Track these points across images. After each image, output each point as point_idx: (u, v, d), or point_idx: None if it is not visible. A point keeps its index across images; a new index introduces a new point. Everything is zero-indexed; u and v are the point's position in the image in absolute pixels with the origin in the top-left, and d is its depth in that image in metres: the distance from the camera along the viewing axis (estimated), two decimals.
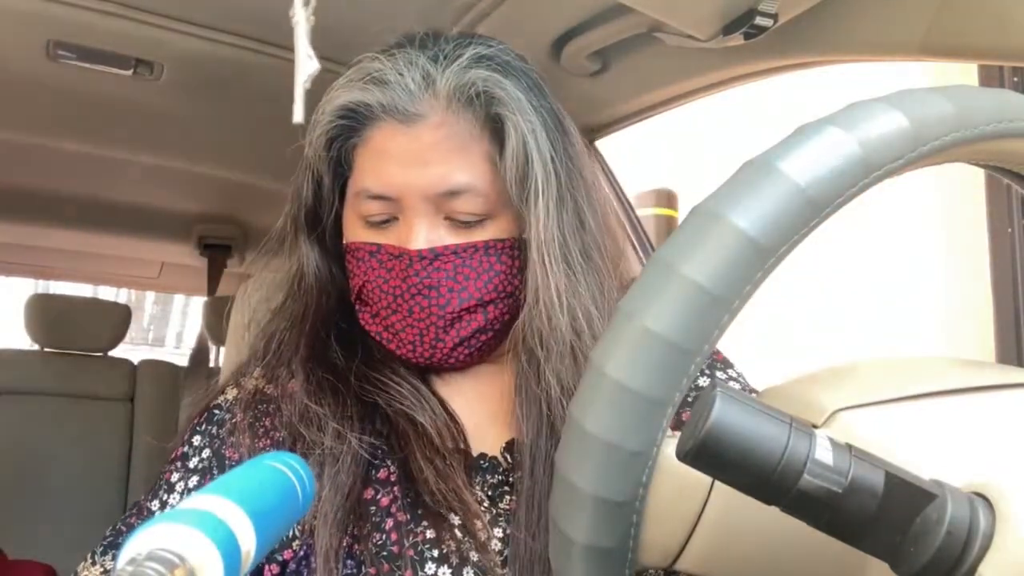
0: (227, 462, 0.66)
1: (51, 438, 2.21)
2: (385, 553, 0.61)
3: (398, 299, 0.66)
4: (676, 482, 0.36)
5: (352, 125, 0.67)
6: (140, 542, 0.27)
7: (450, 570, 0.60)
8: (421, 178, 0.63)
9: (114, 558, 0.64)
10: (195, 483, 0.66)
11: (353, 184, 0.68)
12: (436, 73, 0.64)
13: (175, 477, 0.67)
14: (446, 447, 0.64)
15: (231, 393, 0.72)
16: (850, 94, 0.39)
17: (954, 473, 0.30)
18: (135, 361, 2.50)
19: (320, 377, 0.67)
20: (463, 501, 0.61)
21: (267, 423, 0.68)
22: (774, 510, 0.30)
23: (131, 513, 0.68)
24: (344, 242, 0.71)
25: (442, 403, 0.68)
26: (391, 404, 0.66)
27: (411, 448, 0.64)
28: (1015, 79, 1.96)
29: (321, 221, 0.72)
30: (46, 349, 2.39)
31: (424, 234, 0.65)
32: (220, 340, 2.41)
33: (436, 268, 0.64)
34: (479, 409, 0.70)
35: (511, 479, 0.65)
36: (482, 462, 0.66)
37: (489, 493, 0.65)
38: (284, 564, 0.63)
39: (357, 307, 0.71)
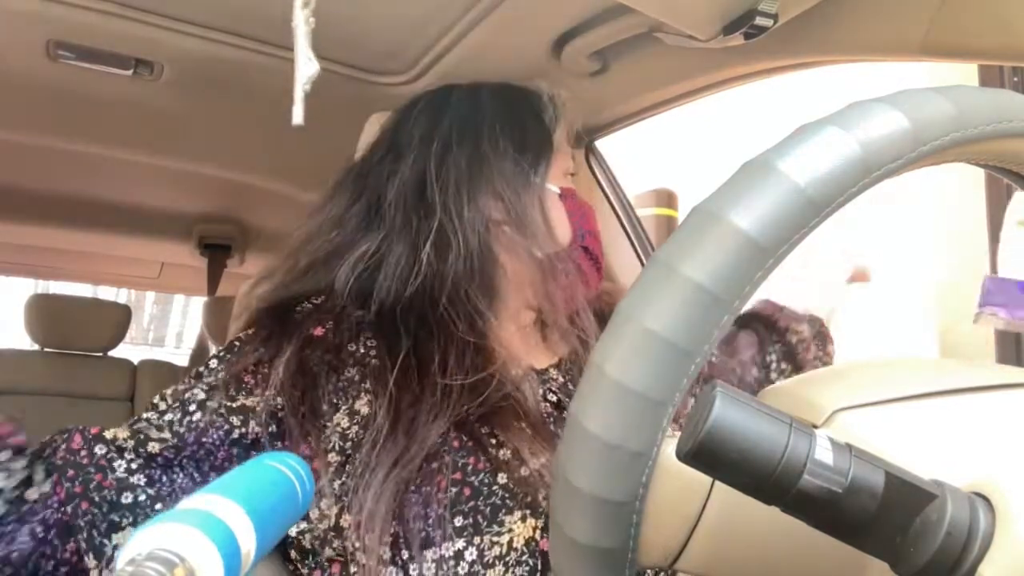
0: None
1: None
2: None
3: None
4: (676, 482, 0.36)
5: None
6: (140, 542, 0.27)
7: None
8: None
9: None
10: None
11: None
12: None
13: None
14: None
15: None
16: (850, 94, 0.39)
17: (954, 473, 0.30)
18: (135, 361, 2.50)
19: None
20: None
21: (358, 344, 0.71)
22: (774, 510, 0.30)
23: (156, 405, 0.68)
24: None
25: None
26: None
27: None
28: (1015, 79, 1.95)
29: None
30: (46, 349, 2.39)
31: None
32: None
33: None
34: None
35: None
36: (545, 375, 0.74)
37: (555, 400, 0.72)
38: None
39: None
